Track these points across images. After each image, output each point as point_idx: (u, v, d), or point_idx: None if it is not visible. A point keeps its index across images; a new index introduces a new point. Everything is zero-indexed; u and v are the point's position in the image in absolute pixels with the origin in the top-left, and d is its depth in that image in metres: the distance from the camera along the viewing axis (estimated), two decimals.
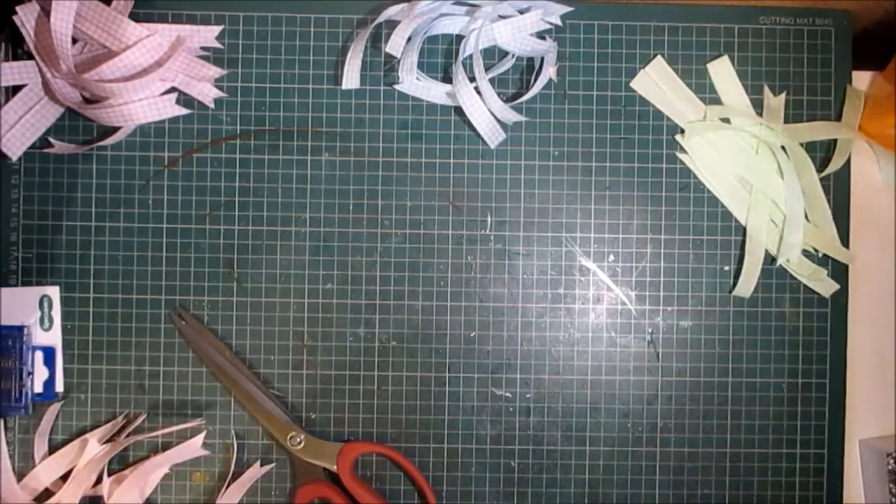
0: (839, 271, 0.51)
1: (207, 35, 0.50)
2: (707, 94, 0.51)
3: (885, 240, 0.52)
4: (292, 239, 0.51)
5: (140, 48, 0.48)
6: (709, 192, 0.51)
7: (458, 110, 0.50)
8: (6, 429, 0.50)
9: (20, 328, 0.49)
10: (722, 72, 0.51)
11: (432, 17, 0.49)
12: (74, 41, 0.48)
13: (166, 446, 0.50)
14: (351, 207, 0.51)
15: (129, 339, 0.50)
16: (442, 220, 0.51)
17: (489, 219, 0.51)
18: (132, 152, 0.51)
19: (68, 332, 0.50)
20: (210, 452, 0.50)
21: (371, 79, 0.51)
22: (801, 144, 0.51)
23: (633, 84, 0.51)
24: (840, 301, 0.51)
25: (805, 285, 0.51)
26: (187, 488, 0.50)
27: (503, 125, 0.50)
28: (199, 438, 0.50)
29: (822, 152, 0.52)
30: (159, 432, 0.50)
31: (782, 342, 0.51)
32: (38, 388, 0.50)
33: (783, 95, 0.51)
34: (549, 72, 0.50)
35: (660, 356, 0.51)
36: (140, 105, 0.48)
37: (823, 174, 0.51)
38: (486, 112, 0.49)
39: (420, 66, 0.50)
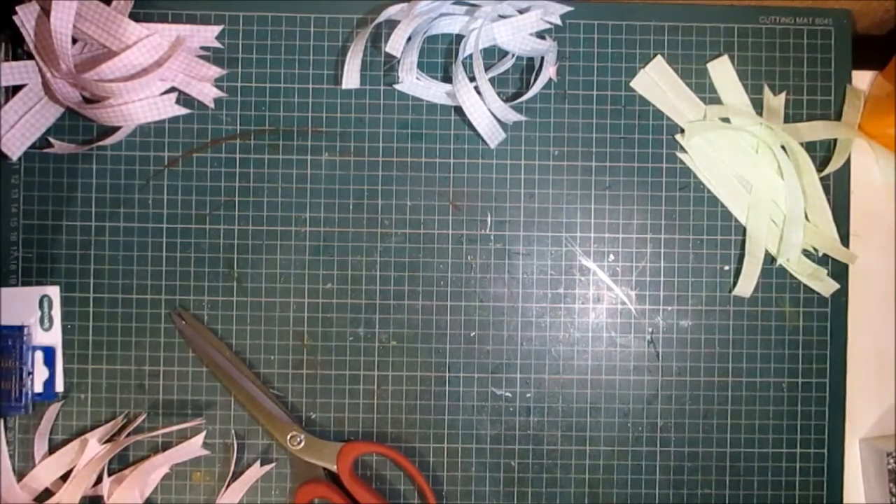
0: (839, 271, 0.51)
1: (207, 35, 0.50)
2: (707, 93, 0.51)
3: (885, 240, 0.52)
4: (292, 239, 0.51)
5: (140, 48, 0.48)
6: (709, 192, 0.51)
7: (458, 110, 0.50)
8: (6, 429, 0.50)
9: (20, 328, 0.49)
10: (722, 72, 0.51)
11: (432, 17, 0.49)
12: (74, 41, 0.48)
13: (166, 446, 0.50)
14: (351, 207, 0.51)
15: (129, 339, 0.50)
16: (442, 220, 0.51)
17: (489, 219, 0.51)
18: (132, 152, 0.51)
19: (68, 332, 0.50)
20: (210, 452, 0.50)
21: (371, 79, 0.51)
22: (801, 144, 0.51)
23: (633, 84, 0.51)
24: (840, 301, 0.51)
25: (805, 285, 0.51)
26: (187, 488, 0.50)
27: (503, 125, 0.50)
28: (199, 438, 0.50)
29: (822, 152, 0.52)
30: (159, 432, 0.50)
31: (782, 342, 0.51)
32: (38, 388, 0.50)
33: (783, 95, 0.51)
34: (549, 72, 0.50)
35: (660, 356, 0.51)
36: (140, 105, 0.48)
37: (823, 174, 0.51)
38: (486, 112, 0.49)
39: (420, 65, 0.50)
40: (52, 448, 0.50)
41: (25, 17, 0.47)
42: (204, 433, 0.50)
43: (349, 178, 0.51)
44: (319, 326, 0.51)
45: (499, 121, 0.50)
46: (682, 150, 0.51)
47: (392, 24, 0.49)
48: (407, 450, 0.51)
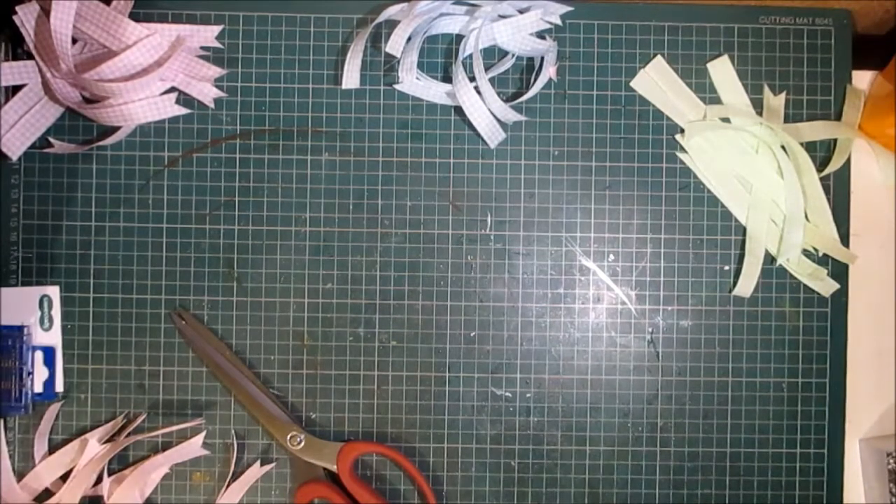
0: (839, 271, 0.51)
1: (207, 35, 0.50)
2: (707, 93, 0.51)
3: (885, 240, 0.52)
4: (292, 239, 0.51)
5: (140, 48, 0.48)
6: (709, 192, 0.51)
7: (458, 110, 0.50)
8: (6, 429, 0.50)
9: (20, 328, 0.49)
10: (722, 72, 0.51)
11: (432, 17, 0.49)
12: (74, 41, 0.48)
13: (166, 446, 0.50)
14: (351, 207, 0.51)
15: (129, 339, 0.50)
16: (442, 220, 0.51)
17: (489, 219, 0.51)
18: (132, 152, 0.51)
19: (68, 332, 0.50)
20: (210, 452, 0.50)
21: (371, 79, 0.51)
22: (801, 144, 0.51)
23: (633, 84, 0.51)
24: (840, 301, 0.51)
25: (805, 285, 0.51)
26: (187, 488, 0.50)
27: (503, 125, 0.50)
28: (199, 438, 0.50)
29: (822, 152, 0.52)
30: (159, 432, 0.50)
31: (782, 342, 0.51)
32: (38, 388, 0.50)
33: (783, 95, 0.51)
34: (549, 72, 0.50)
35: (660, 356, 0.51)
36: (140, 105, 0.48)
37: (823, 174, 0.51)
38: (486, 112, 0.49)
39: (420, 65, 0.50)
40: (52, 448, 0.50)
41: (25, 17, 0.47)
42: (204, 433, 0.50)
43: (349, 178, 0.51)
44: (319, 326, 0.51)
45: (499, 121, 0.50)
46: (682, 150, 0.51)
47: (392, 24, 0.49)
48: (407, 450, 0.51)
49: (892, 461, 0.49)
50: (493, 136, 0.50)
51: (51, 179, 0.51)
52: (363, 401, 0.51)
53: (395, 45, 0.48)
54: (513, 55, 0.51)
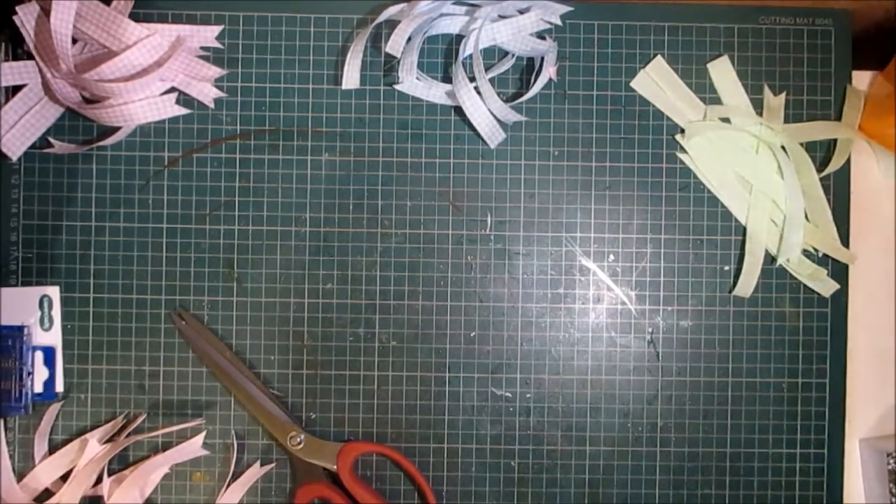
0: (839, 271, 0.51)
1: (207, 35, 0.50)
2: (707, 94, 0.51)
3: (885, 240, 0.52)
4: (292, 239, 0.51)
5: (140, 48, 0.48)
6: (709, 192, 0.51)
7: (458, 110, 0.50)
8: (6, 429, 0.50)
9: (20, 328, 0.49)
10: (722, 72, 0.51)
11: (432, 17, 0.49)
12: (74, 41, 0.48)
13: (166, 446, 0.50)
14: (351, 207, 0.51)
15: (129, 339, 0.50)
16: (442, 220, 0.51)
17: (489, 219, 0.51)
18: (132, 152, 0.51)
19: (68, 332, 0.50)
20: (210, 452, 0.50)
21: (371, 79, 0.51)
22: (801, 144, 0.51)
23: (633, 84, 0.51)
24: (840, 301, 0.51)
25: (805, 285, 0.51)
26: (187, 488, 0.50)
27: (503, 125, 0.50)
28: (199, 438, 0.50)
29: (822, 152, 0.52)
30: (159, 432, 0.50)
31: (782, 342, 0.51)
32: (38, 388, 0.50)
33: (783, 95, 0.51)
34: (549, 72, 0.50)
35: (660, 356, 0.51)
36: (140, 105, 0.48)
37: (823, 174, 0.51)
38: (486, 112, 0.49)
39: (420, 66, 0.50)
40: (52, 448, 0.50)
41: (25, 17, 0.47)
42: (204, 433, 0.50)
43: (349, 178, 0.51)
44: (319, 326, 0.51)
45: (499, 121, 0.50)
46: (682, 150, 0.51)
47: (392, 24, 0.49)
48: (407, 450, 0.51)
49: (892, 461, 0.49)
50: (493, 136, 0.50)
51: (51, 179, 0.51)
52: (363, 401, 0.51)
53: (395, 45, 0.48)
54: (513, 55, 0.51)
